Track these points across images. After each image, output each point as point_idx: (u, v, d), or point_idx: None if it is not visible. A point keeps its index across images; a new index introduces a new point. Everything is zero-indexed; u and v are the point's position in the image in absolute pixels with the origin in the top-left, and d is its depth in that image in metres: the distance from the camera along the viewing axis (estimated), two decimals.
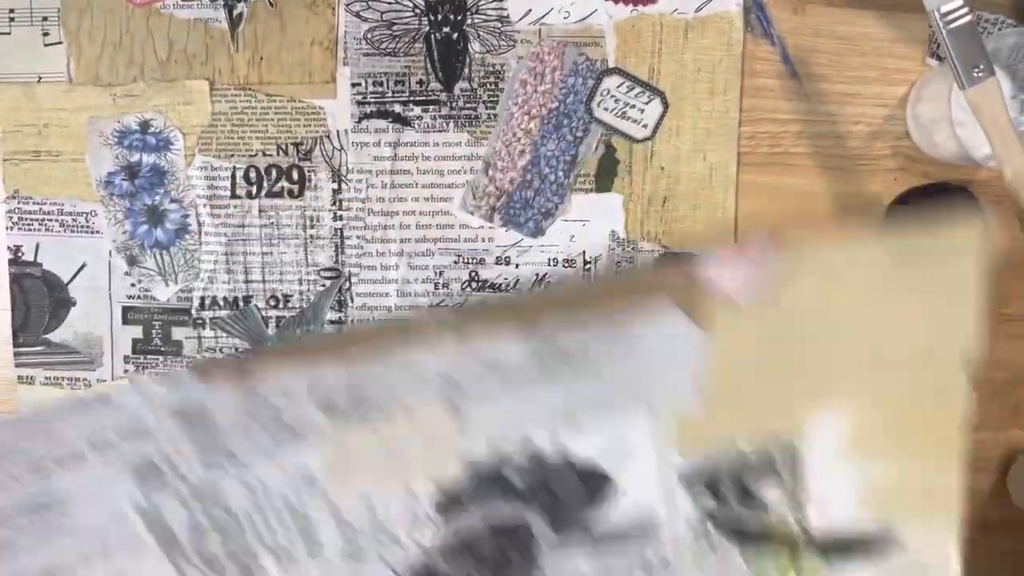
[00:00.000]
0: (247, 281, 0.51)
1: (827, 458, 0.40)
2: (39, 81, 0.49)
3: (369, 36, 0.50)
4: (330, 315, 0.51)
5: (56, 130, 0.49)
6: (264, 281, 0.51)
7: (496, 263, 0.51)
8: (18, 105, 0.49)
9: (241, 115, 0.50)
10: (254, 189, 0.51)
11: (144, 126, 0.50)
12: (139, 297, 0.51)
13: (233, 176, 0.51)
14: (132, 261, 0.51)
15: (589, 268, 0.52)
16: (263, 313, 0.51)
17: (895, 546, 0.41)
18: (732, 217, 0.51)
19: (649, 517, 0.40)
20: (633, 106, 0.51)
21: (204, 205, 0.51)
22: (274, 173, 0.51)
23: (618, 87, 0.51)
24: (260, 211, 0.51)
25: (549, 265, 0.52)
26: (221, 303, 0.51)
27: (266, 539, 0.40)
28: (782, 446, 0.40)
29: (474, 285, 0.52)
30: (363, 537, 0.40)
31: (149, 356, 0.51)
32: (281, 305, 0.51)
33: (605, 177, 0.51)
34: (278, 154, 0.51)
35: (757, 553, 0.40)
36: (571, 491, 0.40)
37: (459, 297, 0.51)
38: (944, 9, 0.43)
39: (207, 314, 0.51)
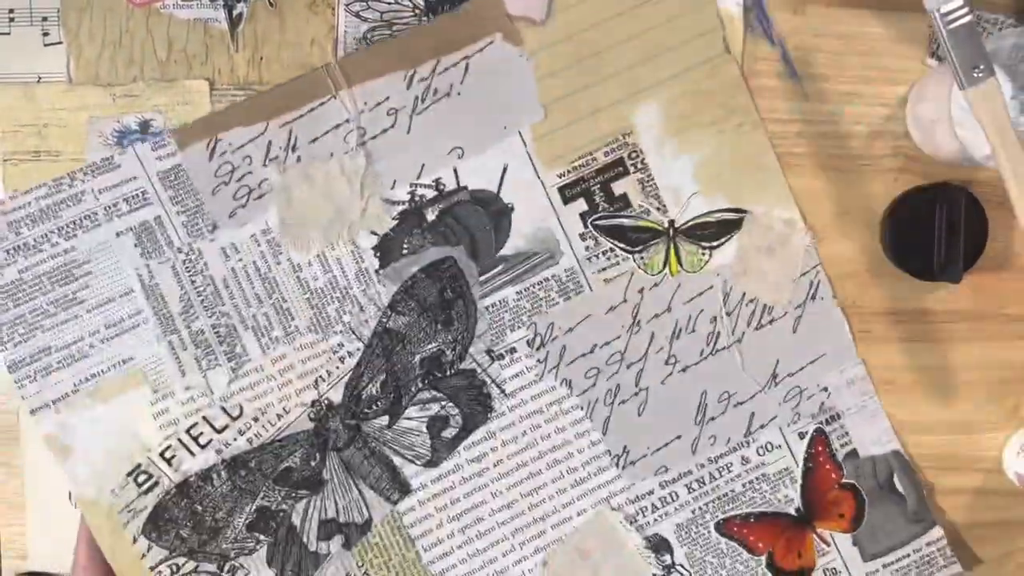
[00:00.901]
0: None
1: (659, 146, 0.50)
2: (39, 81, 0.49)
3: (369, 36, 0.50)
4: None
5: (56, 130, 0.49)
6: None
7: None
8: (18, 105, 0.49)
9: None
10: None
11: (144, 126, 0.50)
12: None
13: None
14: None
15: None
16: None
17: (746, 215, 0.50)
18: None
19: (548, 234, 0.50)
20: None
21: None
22: None
23: None
24: None
25: None
26: None
27: (244, 313, 0.48)
28: (624, 145, 0.50)
29: None
30: (329, 304, 0.48)
31: None
32: None
33: None
34: None
35: (642, 249, 0.50)
36: (474, 215, 0.49)
37: None
38: (944, 9, 0.43)
39: None
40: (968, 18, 0.43)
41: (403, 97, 0.49)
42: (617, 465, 0.51)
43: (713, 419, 0.51)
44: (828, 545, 0.52)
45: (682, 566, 0.51)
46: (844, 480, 0.52)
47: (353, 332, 0.49)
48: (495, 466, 0.50)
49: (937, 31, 0.44)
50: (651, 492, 0.51)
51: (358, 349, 0.49)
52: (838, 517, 0.52)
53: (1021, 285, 0.52)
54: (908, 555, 0.52)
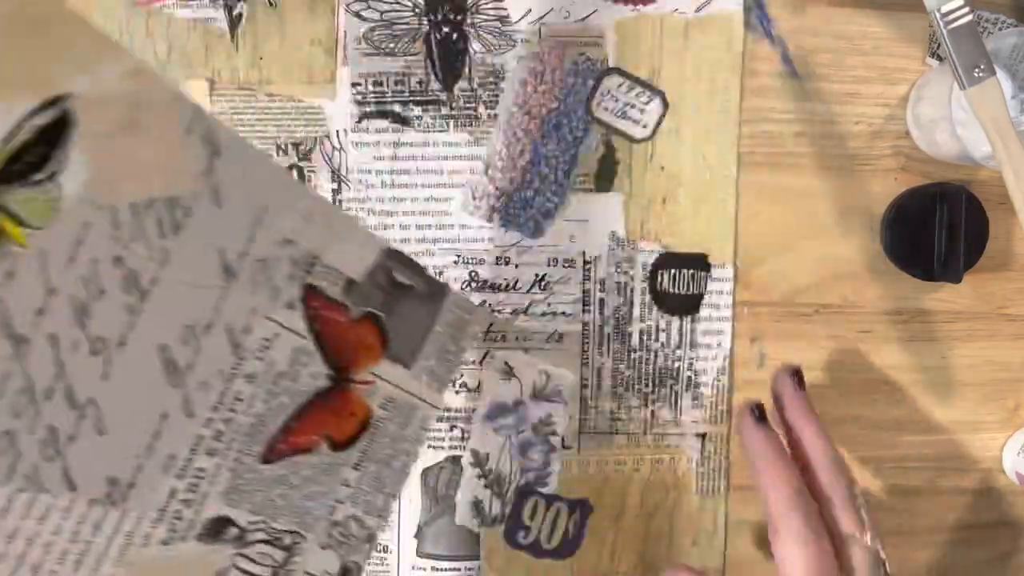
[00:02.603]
0: None
1: None
2: None
3: (369, 36, 0.50)
4: None
5: None
6: None
7: (496, 263, 0.51)
8: None
9: (241, 115, 0.50)
10: None
11: None
12: None
13: None
14: None
15: (589, 268, 0.52)
16: None
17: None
18: (732, 217, 0.51)
19: None
20: (633, 106, 0.51)
21: None
22: None
23: (618, 87, 0.51)
24: None
25: (548, 265, 0.51)
26: None
27: None
28: None
29: (473, 285, 0.52)
30: None
31: None
32: None
33: (605, 177, 0.51)
34: (278, 154, 0.51)
35: None
36: None
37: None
38: (944, 9, 0.43)
39: None
40: (968, 18, 0.43)
41: None
42: (114, 504, 0.37)
43: (190, 367, 0.39)
44: (372, 383, 0.45)
45: (252, 524, 0.42)
46: (354, 314, 0.44)
47: None
48: None
49: (937, 31, 0.44)
50: (174, 492, 0.39)
51: None
52: (368, 351, 0.45)
53: (1021, 285, 0.53)
54: (440, 330, 0.46)
